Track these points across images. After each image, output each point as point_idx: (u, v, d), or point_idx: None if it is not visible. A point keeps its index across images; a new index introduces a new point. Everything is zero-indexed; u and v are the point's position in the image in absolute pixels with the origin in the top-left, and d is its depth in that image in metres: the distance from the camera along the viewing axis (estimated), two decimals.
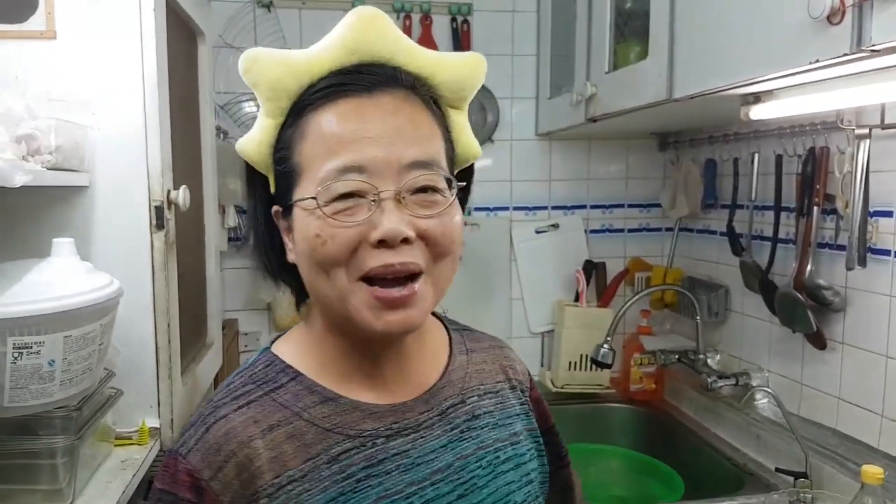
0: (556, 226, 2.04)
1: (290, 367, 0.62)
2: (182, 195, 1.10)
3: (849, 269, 1.24)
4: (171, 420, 1.09)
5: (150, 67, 1.06)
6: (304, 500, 0.56)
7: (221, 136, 1.78)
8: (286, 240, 0.62)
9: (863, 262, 1.23)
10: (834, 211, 1.35)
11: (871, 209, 1.25)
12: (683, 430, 1.72)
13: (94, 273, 0.89)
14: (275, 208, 0.62)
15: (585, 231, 2.06)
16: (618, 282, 2.03)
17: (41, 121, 0.89)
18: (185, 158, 1.30)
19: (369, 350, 0.63)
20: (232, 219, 1.79)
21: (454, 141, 0.65)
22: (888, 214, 1.24)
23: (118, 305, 0.91)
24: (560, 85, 1.84)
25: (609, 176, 2.06)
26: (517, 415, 0.70)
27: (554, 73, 1.90)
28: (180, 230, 1.19)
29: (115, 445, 1.04)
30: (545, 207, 2.05)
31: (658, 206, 2.06)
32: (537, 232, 2.04)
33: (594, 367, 1.84)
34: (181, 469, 0.57)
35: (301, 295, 0.66)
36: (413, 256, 0.57)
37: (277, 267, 0.65)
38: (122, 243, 1.04)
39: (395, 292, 0.57)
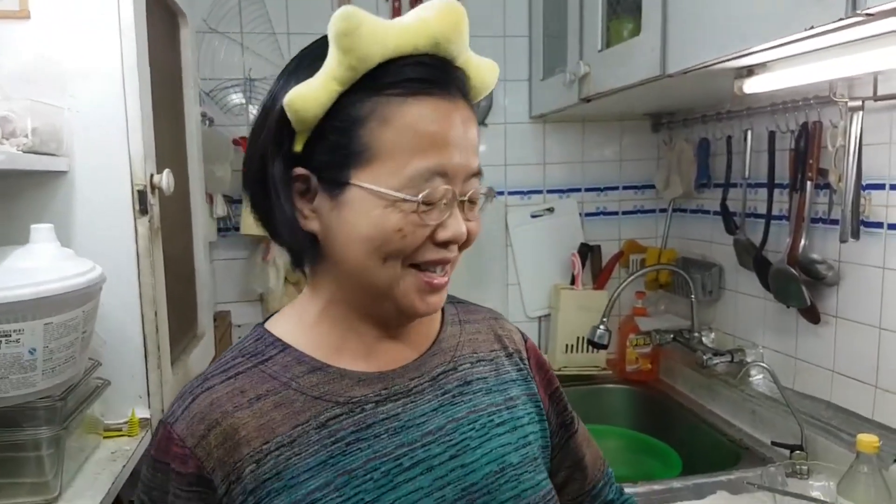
0: (551, 210, 2.03)
1: (279, 340, 0.63)
2: (166, 179, 1.08)
3: (842, 241, 1.23)
4: (162, 410, 1.07)
5: (128, 47, 1.03)
6: (292, 464, 0.57)
7: (207, 122, 1.75)
8: (301, 203, 0.61)
9: (856, 235, 1.22)
10: (827, 186, 1.34)
11: (863, 182, 1.24)
12: (680, 408, 1.73)
13: (75, 259, 0.86)
14: (300, 170, 0.60)
15: (580, 214, 2.04)
16: (613, 264, 2.03)
17: (16, 102, 0.86)
18: (168, 144, 1.27)
19: (377, 324, 0.64)
20: (221, 208, 1.76)
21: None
22: (881, 187, 1.23)
23: (101, 292, 0.88)
24: (553, 66, 1.82)
25: (603, 158, 2.05)
26: (513, 381, 0.71)
27: (547, 53, 1.87)
28: (166, 218, 1.16)
29: (105, 437, 1.02)
30: (540, 191, 2.04)
31: (652, 187, 2.05)
32: (533, 216, 2.03)
33: (591, 348, 1.84)
34: (169, 437, 0.58)
35: (297, 259, 0.66)
36: (457, 252, 0.62)
37: (266, 213, 0.63)
38: (104, 229, 1.02)
39: (440, 279, 0.61)
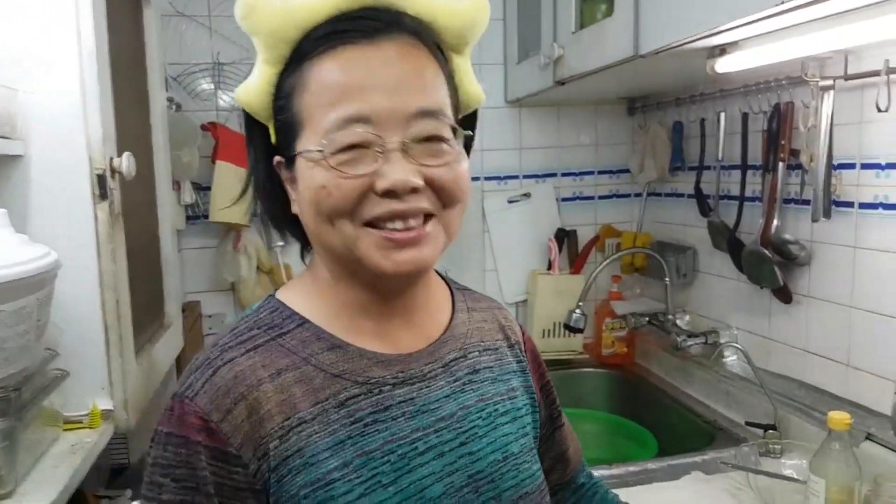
0: (528, 195, 2.02)
1: (296, 313, 0.61)
2: (126, 162, 1.04)
3: (814, 220, 1.24)
4: (126, 401, 1.04)
5: (86, 29, 0.99)
6: (313, 441, 0.56)
7: (174, 107, 1.71)
8: (289, 190, 0.61)
9: (827, 214, 1.23)
10: (799, 166, 1.34)
11: (834, 162, 1.24)
12: (655, 391, 1.74)
13: (29, 245, 0.83)
14: (277, 159, 0.61)
15: (557, 199, 2.04)
16: (589, 249, 2.02)
17: None
18: (131, 128, 1.23)
19: (379, 299, 0.62)
20: (189, 195, 1.72)
21: (458, 87, 0.63)
22: (851, 167, 1.23)
23: (56, 279, 0.85)
24: (528, 49, 1.80)
25: (579, 143, 2.04)
26: (514, 371, 0.71)
27: (521, 36, 1.85)
28: (129, 204, 1.13)
29: (65, 429, 0.99)
30: (517, 176, 2.02)
31: (628, 171, 2.05)
32: (510, 202, 2.02)
33: (568, 333, 1.84)
34: (189, 411, 0.55)
35: (306, 244, 0.66)
36: (421, 202, 0.57)
37: (281, 217, 0.64)
38: (62, 215, 0.98)
39: (404, 233, 0.56)
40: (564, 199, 2.04)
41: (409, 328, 0.64)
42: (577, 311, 1.68)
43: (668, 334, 1.67)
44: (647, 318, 1.79)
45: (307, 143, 0.57)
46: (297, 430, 0.56)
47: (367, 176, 0.55)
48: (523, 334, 0.77)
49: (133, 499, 1.21)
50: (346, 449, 0.56)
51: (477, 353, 0.68)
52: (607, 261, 1.75)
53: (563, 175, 2.04)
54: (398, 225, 0.56)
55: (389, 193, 0.55)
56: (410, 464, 0.58)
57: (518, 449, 0.65)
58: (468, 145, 0.64)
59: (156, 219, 1.40)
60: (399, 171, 0.55)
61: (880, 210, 1.17)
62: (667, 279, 1.70)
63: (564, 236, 2.00)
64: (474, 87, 0.65)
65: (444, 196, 0.58)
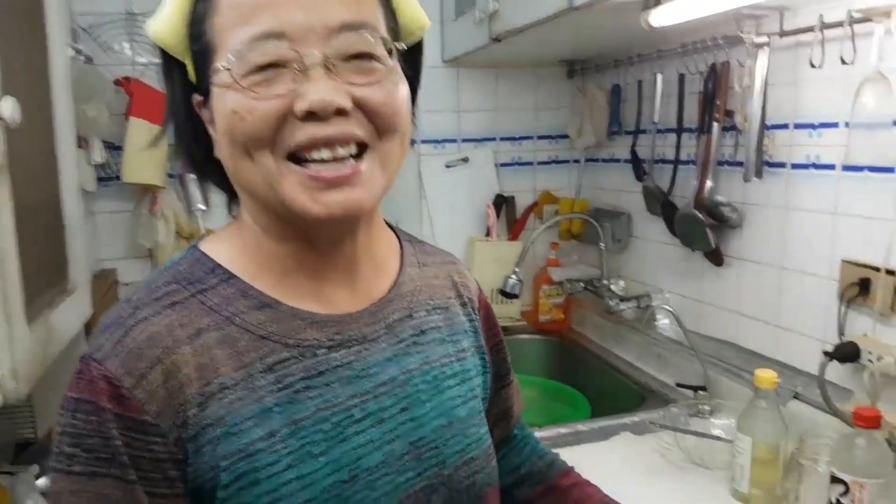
0: (466, 160, 1.96)
1: (220, 266, 0.56)
2: (10, 108, 0.93)
3: (746, 181, 1.23)
4: (14, 370, 0.94)
5: None
6: (236, 408, 0.51)
7: (83, 59, 1.56)
8: (211, 132, 0.55)
9: (759, 174, 1.23)
10: (734, 128, 1.33)
11: (768, 122, 1.24)
12: (589, 356, 1.75)
13: None
14: (195, 98, 0.55)
15: (496, 164, 1.99)
16: (527, 215, 2.00)
17: None
18: (23, 78, 1.11)
19: (313, 252, 0.56)
20: (99, 154, 1.58)
21: (395, 10, 0.57)
22: (784, 127, 1.23)
23: None
24: (464, 5, 1.73)
25: (518, 107, 1.99)
26: (465, 331, 0.66)
27: None
28: (20, 158, 1.01)
29: None
30: (455, 140, 1.97)
31: (567, 137, 2.02)
32: (447, 166, 1.96)
33: (506, 300, 1.81)
34: (98, 376, 0.49)
35: (233, 197, 0.60)
36: (351, 127, 0.50)
37: (203, 163, 0.57)
38: None
39: (334, 170, 0.50)
40: (503, 165, 2.00)
41: (350, 285, 0.59)
42: (513, 277, 1.65)
43: (603, 299, 1.66)
44: (582, 285, 1.79)
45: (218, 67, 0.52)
46: (217, 397, 0.51)
47: (284, 96, 0.49)
48: (479, 291, 0.72)
49: (40, 474, 1.11)
50: (272, 417, 0.52)
51: (425, 313, 0.63)
52: (544, 226, 1.73)
53: (503, 140, 2.00)
54: (325, 155, 0.50)
55: (311, 116, 0.49)
56: (345, 432, 0.54)
57: (465, 413, 0.62)
58: (414, 88, 0.59)
59: (56, 177, 1.28)
60: (321, 90, 0.48)
61: (811, 170, 1.18)
62: (602, 245, 1.69)
63: (503, 202, 1.97)
64: (414, 10, 0.58)
65: (377, 121, 0.52)
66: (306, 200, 0.50)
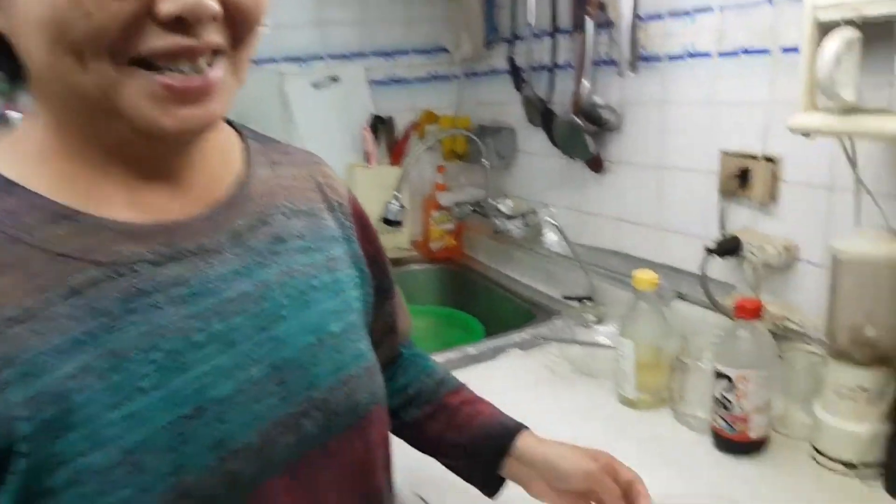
0: (335, 79, 1.79)
1: (0, 176, 0.46)
2: None
3: (620, 75, 1.17)
4: None
5: None
6: (31, 345, 0.41)
7: None
8: None
9: (633, 68, 1.16)
10: (609, 23, 1.25)
11: (641, 14, 1.17)
12: (481, 279, 1.70)
13: None
14: None
15: (369, 83, 1.83)
16: (407, 137, 1.87)
17: None
18: None
19: (133, 159, 0.48)
20: None
21: None
22: (658, 17, 1.16)
23: None
24: None
25: (389, 18, 1.82)
26: (335, 238, 0.59)
27: None
28: None
29: None
30: (321, 57, 1.78)
31: (445, 51, 1.88)
32: (314, 86, 1.77)
33: (390, 228, 1.70)
34: None
35: (13, 76, 0.48)
36: (214, 36, 0.44)
37: None
38: None
39: (190, 81, 0.43)
40: (377, 83, 1.84)
41: (178, 190, 0.50)
42: (394, 202, 1.54)
43: (490, 220, 1.59)
44: (471, 207, 1.71)
45: None
46: (4, 335, 0.41)
47: None
48: (350, 195, 0.64)
49: None
50: (84, 350, 0.43)
51: (283, 218, 0.55)
52: (423, 148, 1.61)
53: (374, 55, 1.83)
54: (185, 68, 0.43)
55: (176, 23, 0.41)
56: (184, 359, 0.46)
57: (340, 328, 0.55)
58: None
59: None
60: None
61: (687, 59, 1.12)
62: (486, 162, 1.61)
63: (380, 124, 1.82)
64: None
65: (242, 27, 0.46)
66: (156, 113, 0.43)
